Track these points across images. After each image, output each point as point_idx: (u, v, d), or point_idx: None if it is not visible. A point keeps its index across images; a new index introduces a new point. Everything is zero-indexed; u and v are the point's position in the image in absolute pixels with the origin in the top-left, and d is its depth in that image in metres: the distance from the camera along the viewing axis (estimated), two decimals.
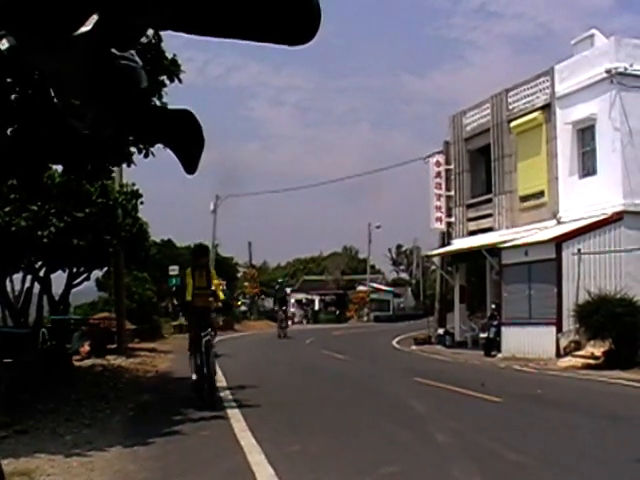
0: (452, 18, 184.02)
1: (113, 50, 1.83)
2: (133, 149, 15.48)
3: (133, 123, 2.20)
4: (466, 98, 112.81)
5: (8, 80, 10.66)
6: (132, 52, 1.95)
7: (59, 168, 19.03)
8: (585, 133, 29.37)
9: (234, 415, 12.84)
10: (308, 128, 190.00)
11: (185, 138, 2.15)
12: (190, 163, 2.21)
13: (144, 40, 14.52)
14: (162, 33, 14.06)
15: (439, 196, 39.43)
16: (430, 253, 42.77)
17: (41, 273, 27.02)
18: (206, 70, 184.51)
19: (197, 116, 2.17)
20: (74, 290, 30.35)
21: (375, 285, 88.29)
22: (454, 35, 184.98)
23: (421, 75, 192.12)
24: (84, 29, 1.68)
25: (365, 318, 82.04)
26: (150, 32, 14.32)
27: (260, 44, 1.78)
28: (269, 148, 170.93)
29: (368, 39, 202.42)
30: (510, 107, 33.51)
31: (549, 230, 29.09)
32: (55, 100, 1.89)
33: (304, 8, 1.66)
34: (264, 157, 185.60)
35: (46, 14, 1.60)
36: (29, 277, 27.21)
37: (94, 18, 1.67)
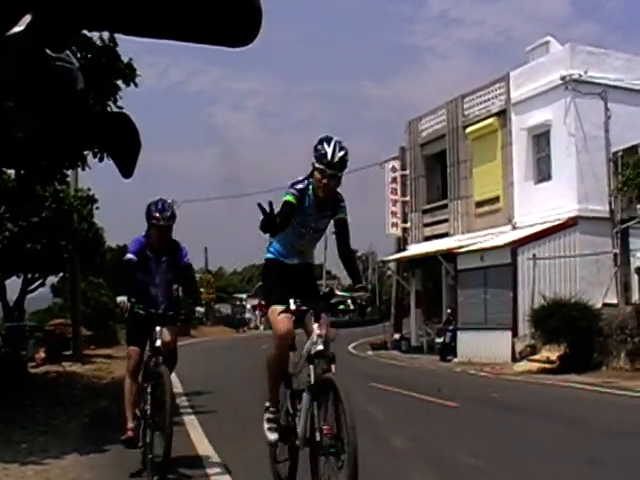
0: (414, 25, 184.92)
1: (48, 51, 1.77)
2: (87, 152, 15.36)
3: (72, 125, 2.15)
4: (426, 104, 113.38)
5: None
6: (68, 53, 1.88)
7: (12, 172, 18.85)
8: (540, 139, 29.66)
9: (190, 421, 12.74)
10: (269, 133, 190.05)
11: (122, 141, 2.11)
12: (126, 167, 2.18)
13: (99, 43, 14.43)
14: (118, 37, 13.98)
15: (395, 201, 39.62)
16: (386, 259, 42.90)
17: None
18: (168, 75, 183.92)
19: (134, 120, 2.13)
20: (29, 296, 30.13)
21: None
22: (415, 41, 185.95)
23: (381, 81, 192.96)
24: (16, 29, 1.63)
25: None
26: (105, 35, 14.25)
27: (205, 46, 1.75)
28: (229, 153, 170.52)
29: (330, 46, 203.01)
30: (466, 113, 33.73)
31: (504, 235, 29.32)
32: None
33: (245, 9, 1.62)
34: (223, 161, 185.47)
35: None
36: None
37: (27, 18, 1.62)
